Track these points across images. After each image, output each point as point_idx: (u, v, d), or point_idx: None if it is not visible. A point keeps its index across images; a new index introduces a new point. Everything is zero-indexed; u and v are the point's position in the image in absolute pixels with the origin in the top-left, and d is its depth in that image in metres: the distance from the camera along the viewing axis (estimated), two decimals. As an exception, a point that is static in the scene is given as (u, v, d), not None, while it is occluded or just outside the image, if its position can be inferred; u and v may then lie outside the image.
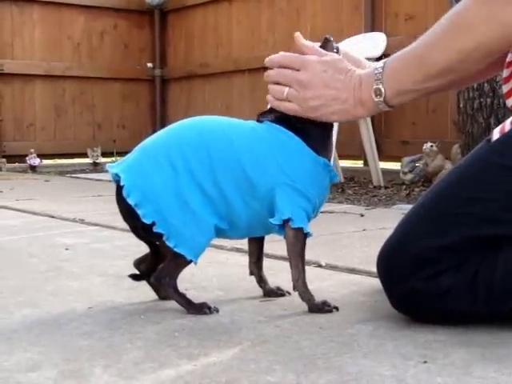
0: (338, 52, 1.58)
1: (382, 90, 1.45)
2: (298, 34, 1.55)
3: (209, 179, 1.50)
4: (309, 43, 1.55)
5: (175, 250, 1.50)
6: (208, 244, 1.54)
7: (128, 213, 1.52)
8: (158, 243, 1.56)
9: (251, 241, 1.68)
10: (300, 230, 1.52)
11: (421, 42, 1.44)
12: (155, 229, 1.49)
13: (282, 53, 1.56)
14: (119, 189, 1.52)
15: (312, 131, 1.55)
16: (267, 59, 1.56)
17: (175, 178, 1.49)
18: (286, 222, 1.51)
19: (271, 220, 1.52)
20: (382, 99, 1.46)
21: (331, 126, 1.59)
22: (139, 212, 1.49)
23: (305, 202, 1.52)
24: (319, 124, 1.55)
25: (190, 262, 1.52)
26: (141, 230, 1.53)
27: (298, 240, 1.53)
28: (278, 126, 1.55)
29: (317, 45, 1.56)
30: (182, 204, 1.49)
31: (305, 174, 1.53)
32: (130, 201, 1.49)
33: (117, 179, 1.53)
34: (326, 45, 1.59)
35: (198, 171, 1.50)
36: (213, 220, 1.52)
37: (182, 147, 1.52)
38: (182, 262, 1.53)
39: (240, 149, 1.52)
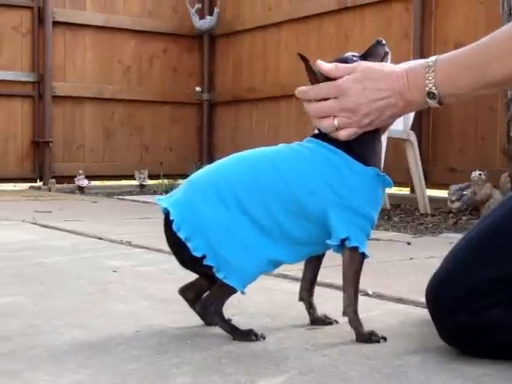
0: (386, 56, 1.58)
1: (436, 93, 1.43)
2: (319, 62, 1.54)
3: (260, 210, 1.51)
4: (331, 66, 1.52)
5: (225, 281, 1.50)
6: (258, 275, 1.54)
7: (177, 245, 1.54)
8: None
9: (307, 266, 1.68)
10: (356, 249, 1.51)
11: (479, 50, 1.43)
12: (205, 262, 1.50)
13: (303, 88, 1.54)
14: (168, 222, 1.53)
15: (358, 139, 1.52)
16: (297, 91, 1.54)
17: (224, 211, 1.50)
18: (342, 241, 1.51)
19: (328, 241, 1.51)
20: (435, 101, 1.44)
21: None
22: (190, 245, 1.51)
23: (361, 220, 1.51)
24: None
25: (236, 290, 1.53)
26: (189, 261, 1.54)
27: (354, 261, 1.52)
28: (322, 142, 1.54)
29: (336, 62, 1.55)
30: (230, 236, 1.50)
31: (356, 190, 1.52)
32: (181, 235, 1.51)
33: (166, 212, 1.54)
34: (375, 47, 1.58)
35: (247, 203, 1.51)
36: (265, 252, 1.52)
37: (230, 180, 1.53)
38: (228, 290, 1.53)
39: (287, 175, 1.53)
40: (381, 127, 1.54)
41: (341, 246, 1.52)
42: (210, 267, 1.50)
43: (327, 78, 1.51)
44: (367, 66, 1.50)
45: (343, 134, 1.50)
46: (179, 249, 1.54)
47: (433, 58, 1.45)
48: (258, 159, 1.57)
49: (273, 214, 1.51)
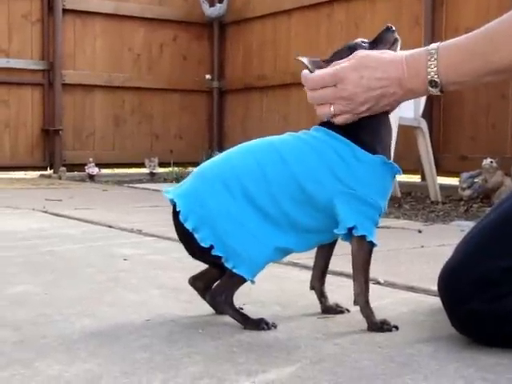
0: (395, 43, 1.56)
1: (438, 81, 1.42)
2: (299, 58, 1.53)
3: (267, 200, 1.50)
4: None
5: (234, 270, 1.50)
6: (267, 264, 1.54)
7: (185, 236, 1.54)
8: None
9: (319, 254, 1.67)
10: (364, 238, 1.50)
11: (484, 36, 1.41)
12: (213, 252, 1.50)
13: (305, 73, 1.52)
14: (176, 213, 1.53)
15: (365, 126, 1.52)
16: (303, 79, 1.52)
17: (231, 202, 1.50)
18: (350, 230, 1.50)
19: (336, 230, 1.51)
20: (437, 89, 1.43)
21: (385, 112, 1.55)
22: (197, 236, 1.50)
23: (368, 209, 1.50)
24: (372, 116, 1.51)
25: (246, 280, 1.52)
26: (198, 252, 1.54)
27: (363, 249, 1.52)
28: (329, 131, 1.53)
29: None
30: (238, 226, 1.49)
31: (363, 179, 1.50)
32: (188, 225, 1.51)
33: (173, 203, 1.54)
34: (385, 34, 1.57)
35: (255, 193, 1.50)
36: (273, 241, 1.52)
37: (237, 171, 1.52)
38: (238, 280, 1.53)
39: (293, 164, 1.52)
40: (387, 111, 1.53)
41: (349, 235, 1.51)
42: (219, 257, 1.50)
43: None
44: (366, 53, 1.49)
45: (338, 121, 1.50)
46: (187, 239, 1.54)
47: (434, 46, 1.43)
48: (264, 149, 1.56)
49: (280, 204, 1.51)
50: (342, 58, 1.52)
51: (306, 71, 1.53)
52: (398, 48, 1.57)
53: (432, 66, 1.41)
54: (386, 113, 1.55)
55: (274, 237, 1.52)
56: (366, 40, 1.59)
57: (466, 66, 1.41)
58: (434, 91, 1.43)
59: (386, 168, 1.53)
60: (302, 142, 1.55)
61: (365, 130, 1.52)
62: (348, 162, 1.50)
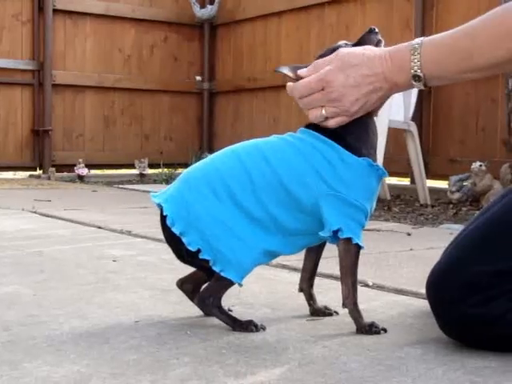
0: (379, 45, 1.56)
1: (421, 75, 1.42)
2: (299, 72, 1.52)
3: (253, 202, 1.51)
4: (309, 68, 1.51)
5: (221, 274, 1.50)
6: (254, 267, 1.54)
7: (173, 239, 1.54)
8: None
9: (308, 257, 1.67)
10: (350, 240, 1.50)
11: (467, 34, 1.41)
12: (201, 255, 1.50)
13: (290, 85, 1.53)
14: (163, 217, 1.53)
15: (351, 129, 1.51)
16: (287, 88, 1.53)
17: (217, 205, 1.50)
18: (336, 232, 1.50)
19: (321, 233, 1.51)
20: (420, 84, 1.44)
21: (369, 113, 1.55)
22: (184, 240, 1.51)
23: (354, 211, 1.50)
24: (357, 118, 1.51)
25: (234, 283, 1.53)
26: (186, 255, 1.54)
27: (349, 252, 1.52)
28: (314, 133, 1.53)
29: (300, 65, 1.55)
30: (225, 229, 1.50)
31: (349, 181, 1.50)
32: (175, 230, 1.51)
33: (160, 207, 1.54)
34: (368, 36, 1.57)
35: (241, 196, 1.51)
36: (260, 243, 1.52)
37: (223, 174, 1.52)
38: (226, 283, 1.53)
39: (278, 167, 1.52)
40: (372, 112, 1.54)
41: (335, 238, 1.51)
42: (207, 261, 1.50)
43: None
44: (347, 51, 1.49)
45: (331, 124, 1.50)
46: (175, 243, 1.54)
47: (418, 40, 1.44)
48: (249, 152, 1.56)
49: (266, 207, 1.51)
50: None
51: (289, 83, 1.53)
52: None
53: (415, 61, 1.42)
54: (371, 114, 1.55)
55: (262, 240, 1.52)
56: (349, 42, 1.59)
57: (448, 61, 1.42)
58: (418, 85, 1.44)
59: (371, 170, 1.53)
60: (287, 145, 1.55)
61: (350, 133, 1.52)
62: (334, 165, 1.50)
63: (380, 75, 1.45)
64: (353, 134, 1.52)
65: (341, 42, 1.59)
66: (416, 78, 1.43)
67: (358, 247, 1.52)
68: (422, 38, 1.45)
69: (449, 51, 1.42)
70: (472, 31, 1.41)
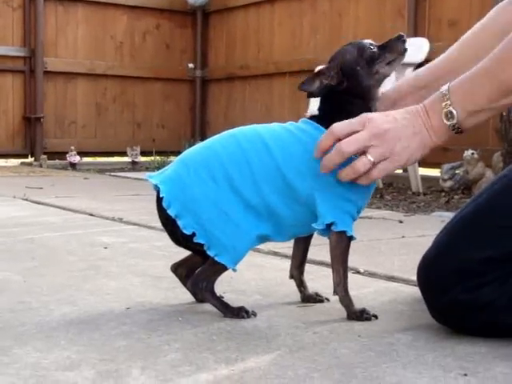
0: (404, 54, 1.54)
1: (454, 112, 1.39)
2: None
3: (250, 188, 1.50)
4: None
5: (216, 258, 1.50)
6: (247, 252, 1.54)
7: (168, 222, 1.53)
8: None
9: (297, 244, 1.67)
10: (343, 233, 1.50)
11: (492, 59, 1.39)
12: (195, 239, 1.49)
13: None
14: (159, 199, 1.52)
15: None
16: (319, 148, 1.45)
17: (215, 189, 1.49)
18: (329, 225, 1.50)
19: (314, 225, 1.51)
20: (454, 121, 1.39)
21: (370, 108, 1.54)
22: (179, 223, 1.50)
23: (348, 205, 1.50)
24: (358, 112, 1.48)
25: (228, 268, 1.52)
26: (181, 238, 1.54)
27: (342, 243, 1.52)
28: (316, 125, 1.53)
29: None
30: (221, 214, 1.49)
31: None
32: (171, 212, 1.50)
33: (157, 189, 1.53)
34: (395, 43, 1.54)
35: (238, 181, 1.50)
36: (254, 229, 1.52)
37: (222, 158, 1.51)
38: (220, 268, 1.53)
39: (278, 155, 1.51)
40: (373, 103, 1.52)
41: (326, 230, 1.51)
42: (201, 245, 1.50)
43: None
44: (376, 122, 1.42)
45: (377, 176, 1.44)
46: (170, 226, 1.53)
47: (445, 87, 1.41)
48: (251, 138, 1.55)
49: (262, 194, 1.50)
50: (346, 58, 1.53)
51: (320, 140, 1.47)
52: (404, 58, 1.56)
53: (445, 98, 1.40)
54: (370, 109, 1.54)
55: (254, 226, 1.52)
56: (373, 43, 1.56)
57: (476, 90, 1.38)
58: (453, 126, 1.40)
59: None
60: (288, 134, 1.54)
61: None
62: None
63: (419, 121, 1.41)
64: None
65: (366, 41, 1.56)
66: (448, 114, 1.39)
67: (350, 238, 1.52)
68: (448, 84, 1.42)
69: (475, 81, 1.39)
70: (495, 56, 1.38)
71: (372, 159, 1.41)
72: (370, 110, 1.52)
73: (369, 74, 1.54)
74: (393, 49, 1.55)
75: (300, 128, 1.55)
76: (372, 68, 1.54)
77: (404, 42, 1.55)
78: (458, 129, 1.40)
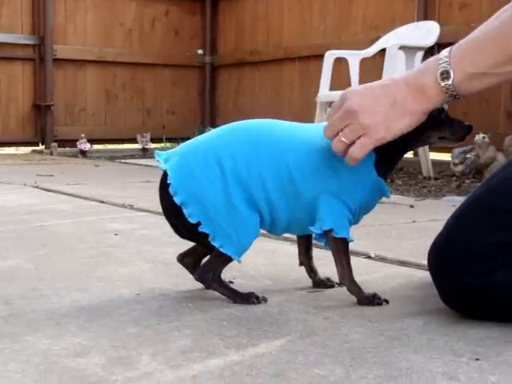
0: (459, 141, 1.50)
1: (451, 72, 1.28)
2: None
3: (256, 183, 1.48)
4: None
5: (221, 249, 1.49)
6: (252, 244, 1.53)
7: (171, 211, 1.52)
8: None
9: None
10: (342, 238, 1.50)
11: (497, 26, 1.30)
12: (201, 228, 1.48)
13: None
14: (164, 186, 1.51)
15: (385, 147, 1.40)
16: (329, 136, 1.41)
17: (223, 180, 1.48)
18: (327, 230, 1.49)
19: (312, 228, 1.50)
20: (449, 82, 1.28)
21: (405, 148, 1.52)
22: (185, 211, 1.48)
23: (348, 213, 1.50)
24: (392, 144, 1.40)
25: (233, 259, 1.52)
26: (183, 228, 1.52)
27: (341, 247, 1.52)
28: None
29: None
30: (228, 205, 1.47)
31: (352, 186, 1.48)
32: (177, 199, 1.48)
33: (164, 173, 1.52)
34: (463, 127, 1.48)
35: (245, 175, 1.48)
36: (257, 218, 1.51)
37: (233, 149, 1.50)
38: (226, 258, 1.52)
39: (290, 156, 1.49)
40: (399, 134, 1.37)
41: (323, 235, 1.51)
42: (206, 235, 1.49)
43: None
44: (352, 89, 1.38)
45: (359, 153, 1.37)
46: (173, 214, 1.52)
47: (451, 47, 1.33)
48: (264, 133, 1.53)
49: (267, 189, 1.48)
50: None
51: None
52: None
53: (444, 58, 1.30)
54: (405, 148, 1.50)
55: (257, 218, 1.51)
56: (446, 109, 1.47)
57: (479, 52, 1.28)
58: (447, 89, 1.29)
59: (377, 185, 1.51)
60: (305, 136, 1.52)
61: (383, 158, 1.48)
62: (346, 168, 1.45)
63: (400, 81, 1.33)
64: (384, 160, 1.49)
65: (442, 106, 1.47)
66: (444, 74, 1.29)
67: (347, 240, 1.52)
68: (461, 41, 1.33)
69: (479, 43, 1.30)
70: (502, 23, 1.29)
71: (343, 139, 1.37)
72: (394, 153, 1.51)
73: (421, 131, 1.44)
74: (456, 132, 1.49)
75: (318, 131, 1.49)
76: (428, 131, 1.47)
77: (469, 133, 1.48)
78: (453, 92, 1.30)
